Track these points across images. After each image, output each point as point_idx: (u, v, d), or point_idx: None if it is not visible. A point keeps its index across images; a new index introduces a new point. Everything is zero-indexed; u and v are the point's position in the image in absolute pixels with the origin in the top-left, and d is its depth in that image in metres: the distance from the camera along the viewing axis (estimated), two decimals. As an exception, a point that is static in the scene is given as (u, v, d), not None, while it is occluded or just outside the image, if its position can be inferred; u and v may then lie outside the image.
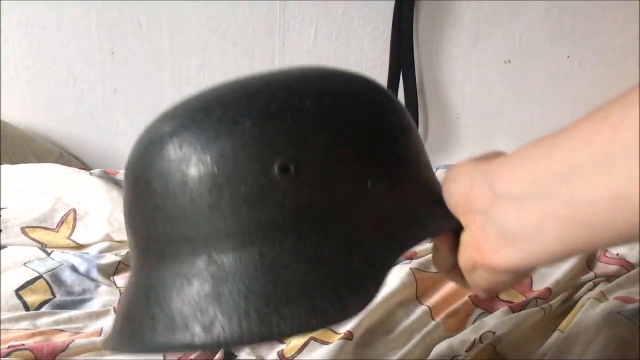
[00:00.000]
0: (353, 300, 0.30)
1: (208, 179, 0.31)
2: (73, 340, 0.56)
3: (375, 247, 0.32)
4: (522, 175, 0.29)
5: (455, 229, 0.35)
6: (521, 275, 0.34)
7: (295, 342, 0.58)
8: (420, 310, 0.63)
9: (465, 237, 0.34)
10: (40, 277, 0.67)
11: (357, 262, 0.31)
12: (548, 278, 0.67)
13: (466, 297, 0.64)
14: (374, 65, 1.24)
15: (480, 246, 0.32)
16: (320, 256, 0.31)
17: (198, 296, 0.31)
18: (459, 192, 0.34)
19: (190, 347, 0.32)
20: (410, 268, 0.67)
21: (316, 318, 0.30)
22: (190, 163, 0.32)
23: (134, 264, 0.36)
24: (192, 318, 0.31)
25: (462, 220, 0.34)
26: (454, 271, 0.38)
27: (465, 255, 0.34)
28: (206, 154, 0.32)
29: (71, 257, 0.73)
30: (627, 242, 0.27)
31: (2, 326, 0.59)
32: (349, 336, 0.58)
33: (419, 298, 0.65)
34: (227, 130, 0.32)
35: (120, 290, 0.69)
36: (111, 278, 0.71)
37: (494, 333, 0.57)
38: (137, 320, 0.33)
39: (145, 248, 0.34)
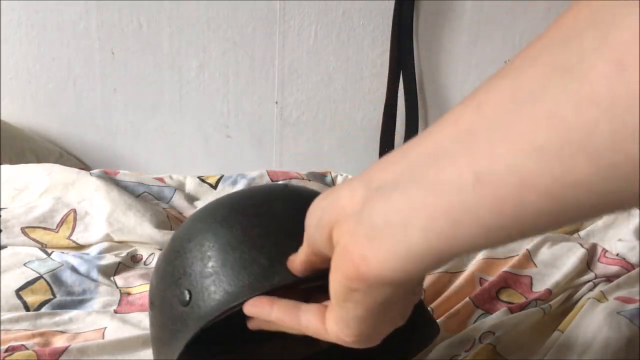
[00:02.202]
0: None
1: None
2: (73, 340, 0.56)
3: None
4: (396, 165, 0.26)
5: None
6: (406, 292, 0.28)
7: (296, 342, 0.58)
8: (420, 311, 0.63)
9: (334, 260, 0.28)
10: (40, 277, 0.67)
11: None
12: (548, 279, 0.67)
13: (467, 299, 0.64)
14: (374, 65, 1.24)
15: (352, 256, 0.26)
16: None
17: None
18: (330, 207, 0.29)
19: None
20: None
21: None
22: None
23: None
24: None
25: (333, 242, 0.29)
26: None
27: (336, 280, 0.28)
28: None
29: (71, 257, 0.73)
30: (494, 244, 0.23)
31: (2, 326, 0.59)
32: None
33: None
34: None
35: (120, 291, 0.69)
36: (111, 278, 0.71)
37: (493, 333, 0.57)
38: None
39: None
